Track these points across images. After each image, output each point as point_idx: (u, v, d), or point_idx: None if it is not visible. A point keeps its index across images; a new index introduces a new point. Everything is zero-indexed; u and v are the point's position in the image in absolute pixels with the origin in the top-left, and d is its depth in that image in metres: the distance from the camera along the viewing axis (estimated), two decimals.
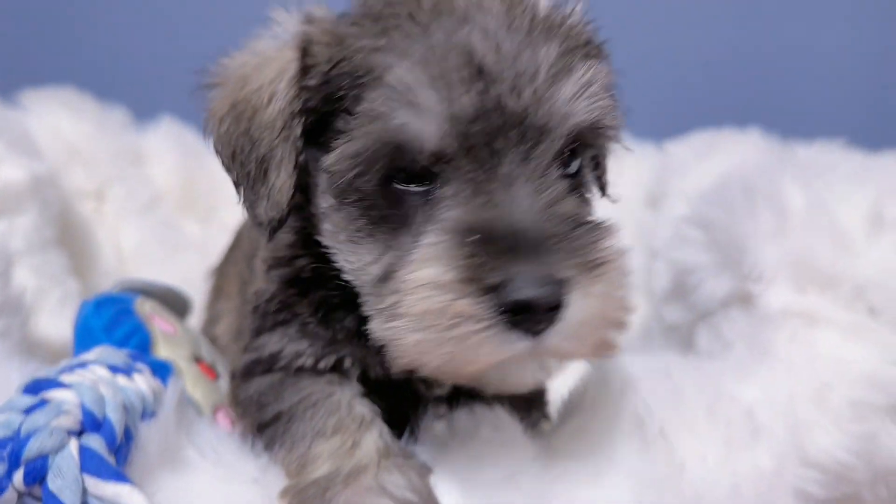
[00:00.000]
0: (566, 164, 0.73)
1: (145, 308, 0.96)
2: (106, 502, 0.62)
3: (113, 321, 0.91)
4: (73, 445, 0.64)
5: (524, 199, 0.66)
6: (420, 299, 0.64)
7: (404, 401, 0.85)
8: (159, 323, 0.95)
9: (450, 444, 0.78)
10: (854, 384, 0.84)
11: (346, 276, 0.75)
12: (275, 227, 0.76)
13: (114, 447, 0.66)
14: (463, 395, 0.83)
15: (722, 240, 0.99)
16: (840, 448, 0.80)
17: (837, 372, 0.84)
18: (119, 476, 0.63)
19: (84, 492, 0.62)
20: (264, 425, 0.82)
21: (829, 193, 0.95)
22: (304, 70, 0.73)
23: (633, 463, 0.71)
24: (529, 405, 0.87)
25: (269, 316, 0.85)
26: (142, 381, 0.77)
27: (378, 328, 0.69)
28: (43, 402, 0.66)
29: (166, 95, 1.89)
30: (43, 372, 0.72)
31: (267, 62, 0.76)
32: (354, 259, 0.73)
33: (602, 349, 0.68)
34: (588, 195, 0.80)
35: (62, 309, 1.32)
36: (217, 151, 0.78)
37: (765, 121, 1.61)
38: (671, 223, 1.38)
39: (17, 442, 0.62)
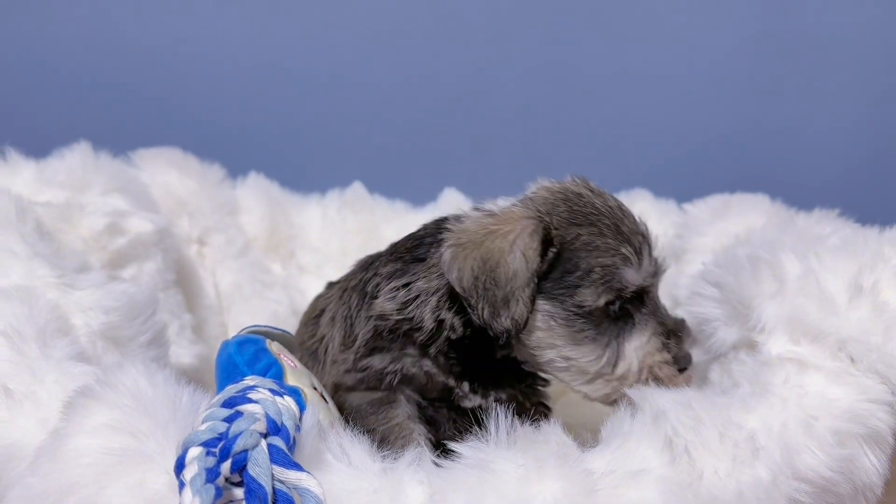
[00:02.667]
0: None
1: (273, 347, 1.20)
2: (289, 485, 0.84)
3: (253, 357, 1.16)
4: (263, 444, 0.85)
5: (665, 311, 1.22)
6: (647, 359, 1.18)
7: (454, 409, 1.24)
8: (285, 359, 1.19)
9: (517, 445, 1.01)
10: (836, 417, 1.03)
11: (550, 366, 1.19)
12: (508, 335, 1.13)
13: (289, 447, 0.90)
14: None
15: (732, 298, 1.23)
16: (824, 467, 0.99)
17: (823, 407, 1.03)
18: (298, 466, 0.84)
19: (272, 477, 0.83)
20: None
21: (819, 264, 1.17)
22: (544, 246, 1.12)
23: (664, 472, 0.92)
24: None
25: (365, 346, 1.25)
26: (290, 402, 1.01)
27: (593, 391, 1.18)
28: (238, 414, 0.90)
29: (252, 155, 2.18)
30: (229, 392, 0.96)
31: (506, 234, 1.12)
32: (574, 354, 1.16)
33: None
34: None
35: (180, 339, 1.58)
36: (458, 280, 1.12)
37: (771, 188, 1.85)
38: (691, 278, 1.62)
39: (227, 441, 0.85)
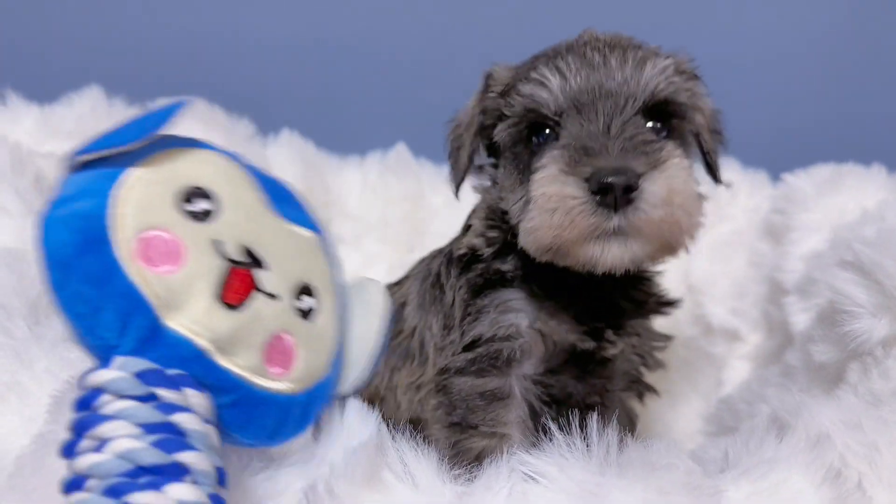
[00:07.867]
0: (654, 125, 0.98)
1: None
2: None
3: None
4: None
5: (611, 130, 0.92)
6: (542, 189, 0.92)
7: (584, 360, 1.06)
8: None
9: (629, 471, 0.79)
10: None
11: (511, 219, 1.01)
12: (457, 187, 1.10)
13: None
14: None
15: (887, 284, 0.99)
16: None
17: None
18: None
19: None
20: (456, 425, 1.02)
21: None
22: (486, 90, 1.07)
23: None
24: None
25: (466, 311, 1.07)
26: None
27: (523, 236, 0.96)
28: None
29: (286, 110, 1.96)
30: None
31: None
32: (513, 198, 1.00)
33: (671, 233, 0.91)
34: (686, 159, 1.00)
35: None
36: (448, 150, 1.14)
37: (874, 156, 1.58)
38: (802, 260, 1.38)
39: None
